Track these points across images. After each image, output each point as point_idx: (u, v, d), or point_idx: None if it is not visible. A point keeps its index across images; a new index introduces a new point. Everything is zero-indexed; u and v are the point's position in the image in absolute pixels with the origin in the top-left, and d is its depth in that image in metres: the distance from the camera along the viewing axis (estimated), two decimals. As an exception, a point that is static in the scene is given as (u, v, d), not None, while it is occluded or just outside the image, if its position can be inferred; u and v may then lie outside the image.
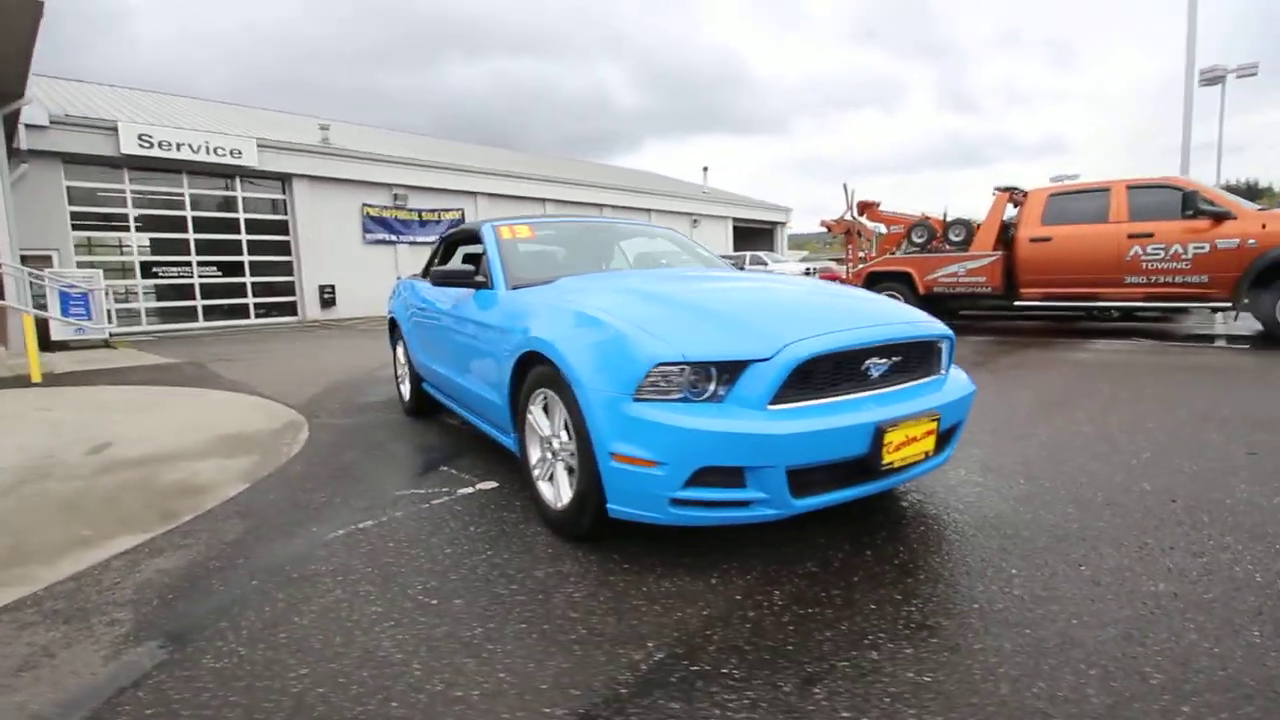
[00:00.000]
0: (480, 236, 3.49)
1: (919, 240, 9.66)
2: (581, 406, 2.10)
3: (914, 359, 2.33)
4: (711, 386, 1.99)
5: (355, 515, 2.70)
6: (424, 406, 4.45)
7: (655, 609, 1.89)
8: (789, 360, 1.96)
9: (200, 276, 15.45)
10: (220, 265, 15.82)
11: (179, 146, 14.28)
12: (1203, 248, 6.74)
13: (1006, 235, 8.37)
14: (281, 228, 16.81)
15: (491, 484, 3.04)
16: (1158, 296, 7.13)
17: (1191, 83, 14.80)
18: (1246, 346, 6.55)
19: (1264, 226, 6.46)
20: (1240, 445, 3.23)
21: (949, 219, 9.39)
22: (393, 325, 4.85)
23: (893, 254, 10.32)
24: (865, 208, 11.21)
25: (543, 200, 22.37)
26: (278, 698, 1.54)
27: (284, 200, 16.79)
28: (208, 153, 14.68)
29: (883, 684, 1.52)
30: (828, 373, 2.07)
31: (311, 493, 3.01)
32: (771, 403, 1.96)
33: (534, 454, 2.60)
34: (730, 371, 1.98)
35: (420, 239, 19.11)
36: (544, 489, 2.52)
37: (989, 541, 2.25)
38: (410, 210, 18.97)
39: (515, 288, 3.00)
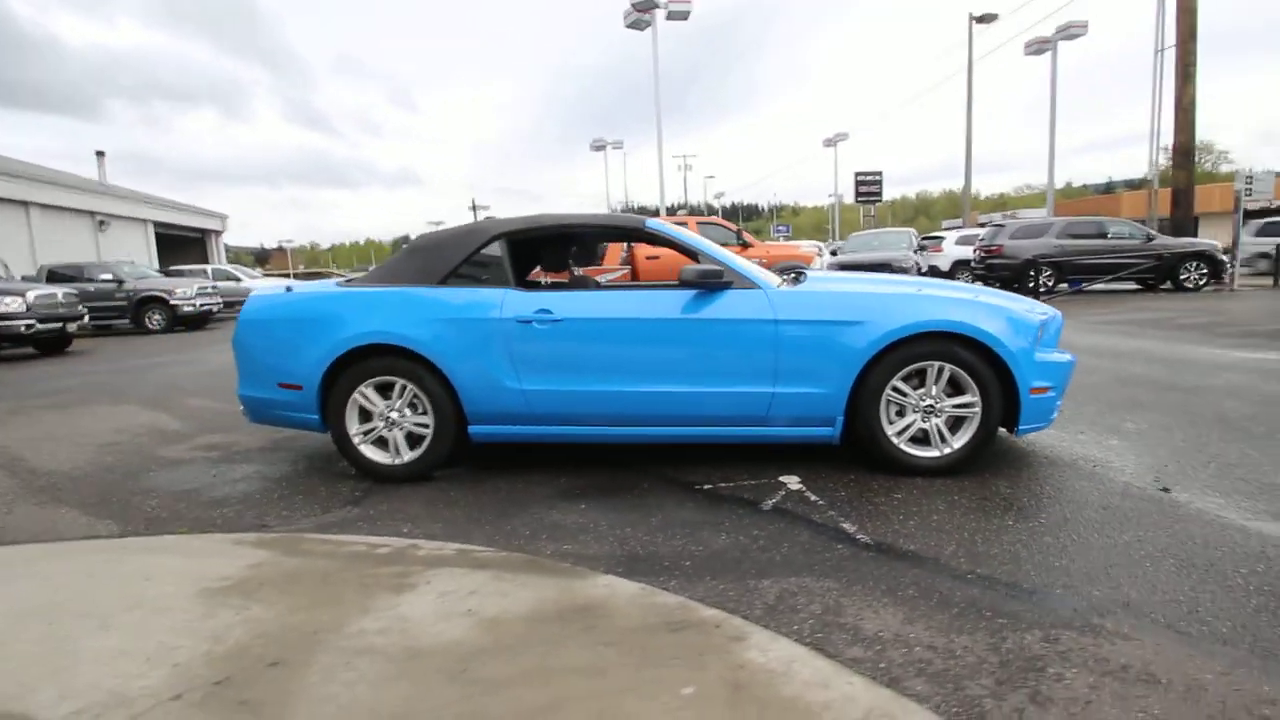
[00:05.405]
0: (686, 244, 3.44)
1: (561, 256, 11.03)
2: (1010, 363, 2.94)
3: None
4: (1030, 338, 3.20)
5: (790, 557, 2.54)
6: (441, 460, 3.33)
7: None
8: (1061, 319, 3.37)
9: None
10: None
11: None
12: (742, 264, 10.64)
13: (627, 254, 10.74)
14: None
15: (792, 478, 3.13)
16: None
17: (662, 154, 21.13)
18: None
19: (769, 252, 10.76)
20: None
21: (583, 240, 11.15)
22: (341, 365, 3.25)
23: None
24: (489, 225, 11.73)
25: None
26: None
27: None
28: None
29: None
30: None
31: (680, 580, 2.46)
32: (1048, 346, 3.34)
33: (889, 426, 3.07)
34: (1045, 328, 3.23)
35: None
36: (911, 449, 3.08)
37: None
38: None
39: (780, 286, 3.19)
